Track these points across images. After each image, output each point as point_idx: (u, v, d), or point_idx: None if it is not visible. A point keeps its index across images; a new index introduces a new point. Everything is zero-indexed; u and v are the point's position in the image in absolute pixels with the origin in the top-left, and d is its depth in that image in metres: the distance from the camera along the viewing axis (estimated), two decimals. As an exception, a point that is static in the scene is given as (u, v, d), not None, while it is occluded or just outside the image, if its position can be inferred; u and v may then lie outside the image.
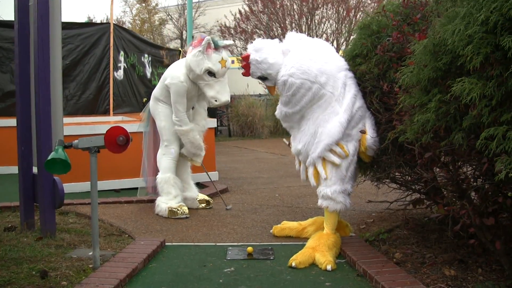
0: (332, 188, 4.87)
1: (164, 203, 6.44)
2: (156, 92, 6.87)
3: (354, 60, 5.17)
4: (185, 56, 6.62)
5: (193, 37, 18.71)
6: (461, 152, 3.59)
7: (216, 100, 6.43)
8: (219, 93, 6.41)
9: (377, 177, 5.45)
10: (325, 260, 4.47)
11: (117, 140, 4.33)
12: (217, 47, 6.38)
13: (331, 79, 4.86)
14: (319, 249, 4.63)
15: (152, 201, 6.78)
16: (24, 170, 5.44)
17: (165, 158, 6.65)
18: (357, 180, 5.75)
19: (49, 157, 4.31)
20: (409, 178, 5.23)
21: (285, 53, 5.10)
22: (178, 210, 6.33)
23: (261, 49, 5.13)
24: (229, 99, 6.57)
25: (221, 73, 6.39)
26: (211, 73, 6.33)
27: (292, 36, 5.35)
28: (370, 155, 5.02)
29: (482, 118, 3.15)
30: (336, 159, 4.83)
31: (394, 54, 4.60)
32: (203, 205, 6.83)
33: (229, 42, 6.96)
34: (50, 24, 5.16)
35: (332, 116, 4.84)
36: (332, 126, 4.81)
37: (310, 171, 4.99)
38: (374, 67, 4.85)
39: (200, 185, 7.79)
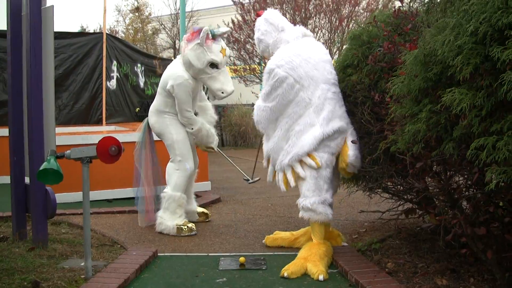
0: (311, 200, 4.85)
1: (170, 221, 6.11)
2: (157, 104, 6.47)
3: (345, 70, 5.19)
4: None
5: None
6: (452, 162, 3.61)
7: (222, 92, 6.17)
8: (224, 84, 6.19)
9: (369, 187, 5.46)
10: (317, 270, 4.47)
11: (109, 150, 4.34)
12: (214, 37, 6.16)
13: (312, 86, 4.86)
14: (311, 259, 4.63)
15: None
16: (17, 180, 5.42)
17: (178, 174, 6.27)
18: (349, 190, 5.77)
19: (41, 167, 4.30)
20: (401, 187, 5.24)
21: (282, 42, 5.19)
22: (185, 228, 6.04)
23: (266, 33, 5.29)
24: (233, 90, 6.33)
25: (223, 62, 6.21)
26: (213, 65, 6.10)
27: (301, 30, 5.31)
28: (350, 172, 5.03)
29: (472, 128, 3.16)
30: (301, 172, 4.84)
31: (385, 64, 4.61)
32: (203, 218, 6.70)
33: (226, 29, 6.57)
34: (43, 34, 5.15)
35: (308, 128, 4.85)
36: (306, 138, 4.82)
37: (280, 176, 5.02)
38: (365, 77, 4.86)
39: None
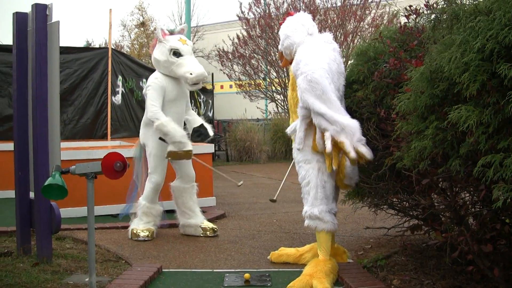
0: (319, 208, 4.84)
1: (132, 225, 6.54)
2: (144, 117, 6.66)
3: (351, 86, 5.17)
4: None
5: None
6: (458, 179, 3.59)
7: (191, 74, 6.25)
8: (191, 66, 6.30)
9: (375, 203, 5.44)
10: (323, 287, 4.44)
11: (114, 166, 4.32)
12: (172, 33, 6.53)
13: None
14: (316, 276, 4.59)
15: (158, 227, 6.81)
16: (21, 195, 5.42)
17: (147, 185, 6.56)
18: (354, 206, 5.75)
19: (46, 183, 4.28)
20: (407, 204, 5.22)
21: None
22: (139, 232, 6.40)
23: (296, 31, 5.24)
24: (205, 72, 6.38)
25: (186, 49, 6.39)
26: (176, 53, 6.32)
27: (328, 37, 5.27)
28: (346, 184, 5.02)
29: (479, 145, 3.15)
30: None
31: (391, 80, 4.60)
32: (208, 233, 6.65)
33: (182, 26, 6.81)
34: (48, 50, 5.17)
35: None
36: None
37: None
38: (371, 93, 4.85)
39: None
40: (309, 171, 4.93)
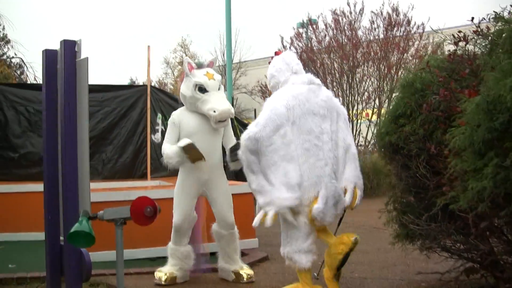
0: (287, 249, 4.99)
1: (159, 268, 6.34)
2: None
3: (396, 120, 4.95)
4: None
5: (232, 98, 18.72)
6: (523, 222, 3.23)
7: (214, 111, 5.93)
8: (215, 103, 5.98)
9: (427, 246, 5.07)
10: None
11: (144, 212, 4.07)
12: (199, 66, 6.28)
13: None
14: None
15: (193, 271, 6.48)
16: (51, 240, 5.19)
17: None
18: (404, 251, 5.42)
19: (72, 229, 4.07)
20: (462, 246, 4.86)
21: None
22: (161, 276, 6.17)
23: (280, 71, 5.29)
24: (231, 109, 6.11)
25: (211, 85, 6.09)
26: (201, 88, 6.03)
27: (309, 77, 5.24)
28: (318, 225, 4.90)
29: (548, 185, 2.79)
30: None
31: (441, 113, 4.32)
32: (241, 279, 6.24)
33: (212, 58, 6.60)
34: (77, 88, 5.00)
35: None
36: None
37: None
38: (419, 128, 4.62)
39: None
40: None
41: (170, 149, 6.06)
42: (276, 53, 5.52)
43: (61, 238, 5.19)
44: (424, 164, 4.53)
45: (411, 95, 4.77)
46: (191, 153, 5.92)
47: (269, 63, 5.51)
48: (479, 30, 3.60)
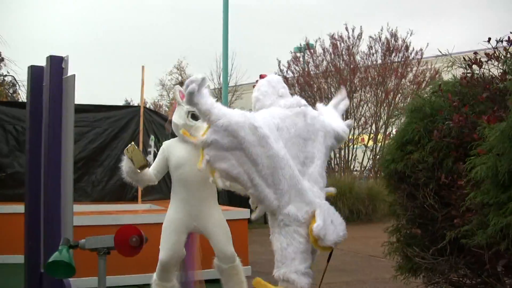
0: (278, 271, 4.53)
1: None
2: None
3: (403, 147, 4.69)
4: None
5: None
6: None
7: None
8: None
9: (433, 282, 4.76)
10: None
11: (130, 242, 3.74)
12: None
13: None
14: None
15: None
16: (31, 267, 4.94)
17: None
18: (407, 285, 5.13)
19: (51, 259, 3.73)
20: (470, 281, 4.56)
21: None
22: None
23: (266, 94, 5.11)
24: None
25: None
26: (194, 115, 5.69)
27: (297, 100, 5.03)
28: (323, 245, 4.46)
29: None
30: None
31: (453, 140, 4.00)
32: None
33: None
34: (63, 106, 4.72)
35: None
36: None
37: None
38: (428, 155, 4.36)
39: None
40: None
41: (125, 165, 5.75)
42: (261, 76, 5.34)
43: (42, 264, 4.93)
44: (433, 194, 4.29)
45: (420, 121, 4.53)
46: (134, 155, 5.62)
47: (254, 86, 5.32)
48: (496, 52, 3.31)
